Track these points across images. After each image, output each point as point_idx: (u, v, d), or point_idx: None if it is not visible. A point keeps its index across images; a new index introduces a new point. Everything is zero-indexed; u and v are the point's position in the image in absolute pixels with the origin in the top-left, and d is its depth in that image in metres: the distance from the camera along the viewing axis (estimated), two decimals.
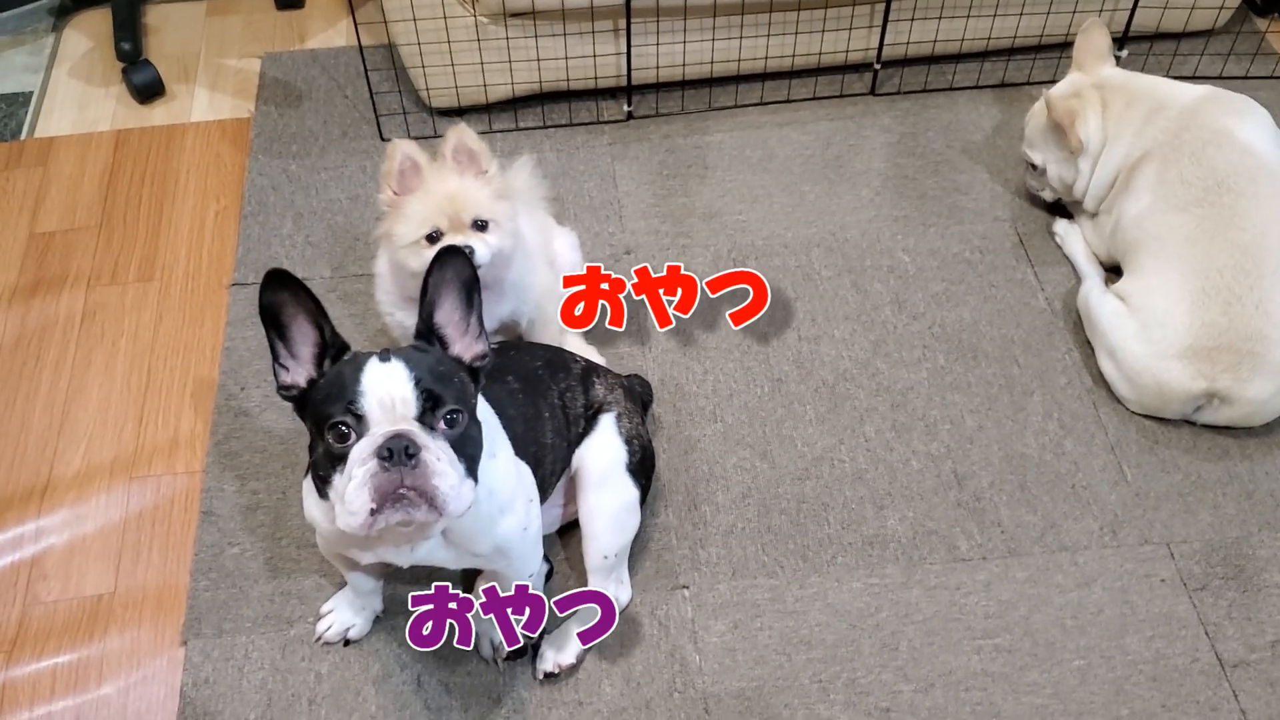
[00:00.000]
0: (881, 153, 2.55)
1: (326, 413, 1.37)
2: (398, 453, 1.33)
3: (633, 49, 2.50)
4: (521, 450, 1.63)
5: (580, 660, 1.79)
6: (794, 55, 2.59)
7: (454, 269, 1.45)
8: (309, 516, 1.59)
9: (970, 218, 2.42)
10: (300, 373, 1.44)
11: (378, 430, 1.35)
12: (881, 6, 2.52)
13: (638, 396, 1.94)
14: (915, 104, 2.65)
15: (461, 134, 1.86)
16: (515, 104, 2.62)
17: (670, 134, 2.59)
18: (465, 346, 1.48)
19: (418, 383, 1.37)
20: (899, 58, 2.66)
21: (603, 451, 1.79)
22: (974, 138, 2.58)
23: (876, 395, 2.13)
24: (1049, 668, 1.79)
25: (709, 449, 2.05)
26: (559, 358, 1.83)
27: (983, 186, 2.48)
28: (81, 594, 1.91)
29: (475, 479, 1.42)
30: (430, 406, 1.37)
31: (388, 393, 1.36)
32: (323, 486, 1.42)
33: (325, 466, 1.39)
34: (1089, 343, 2.17)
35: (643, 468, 1.82)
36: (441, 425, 1.38)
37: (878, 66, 2.63)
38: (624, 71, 2.55)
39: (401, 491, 1.35)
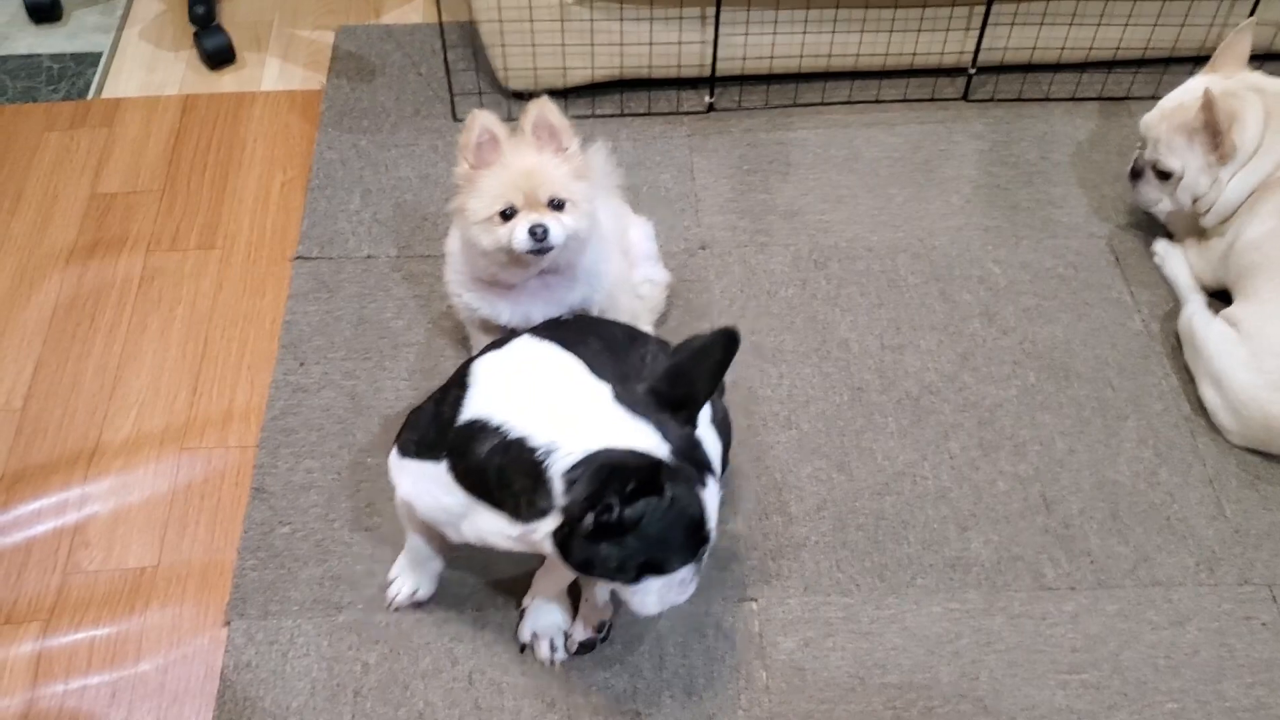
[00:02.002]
0: (972, 160, 2.44)
1: None
2: None
3: (720, 38, 2.41)
4: None
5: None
6: (886, 54, 2.49)
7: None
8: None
9: (1064, 232, 2.31)
10: None
11: None
12: (981, 9, 2.42)
13: None
14: (1008, 112, 2.54)
15: (543, 108, 1.77)
16: (593, 90, 2.54)
17: (752, 128, 2.50)
18: None
19: None
20: (994, 64, 2.55)
21: None
22: (1069, 150, 2.47)
23: (963, 411, 2.02)
24: (1139, 709, 1.67)
25: (782, 457, 1.95)
26: (639, 333, 1.73)
27: (1077, 201, 2.37)
28: (124, 565, 1.84)
29: None
30: None
31: None
32: None
33: None
34: (1187, 368, 2.05)
35: (724, 428, 1.72)
36: None
37: (972, 71, 2.53)
38: (708, 61, 2.46)
39: None
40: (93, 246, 2.28)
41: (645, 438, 1.34)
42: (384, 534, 1.85)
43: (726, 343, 1.39)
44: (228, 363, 2.09)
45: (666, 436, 1.35)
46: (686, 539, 1.36)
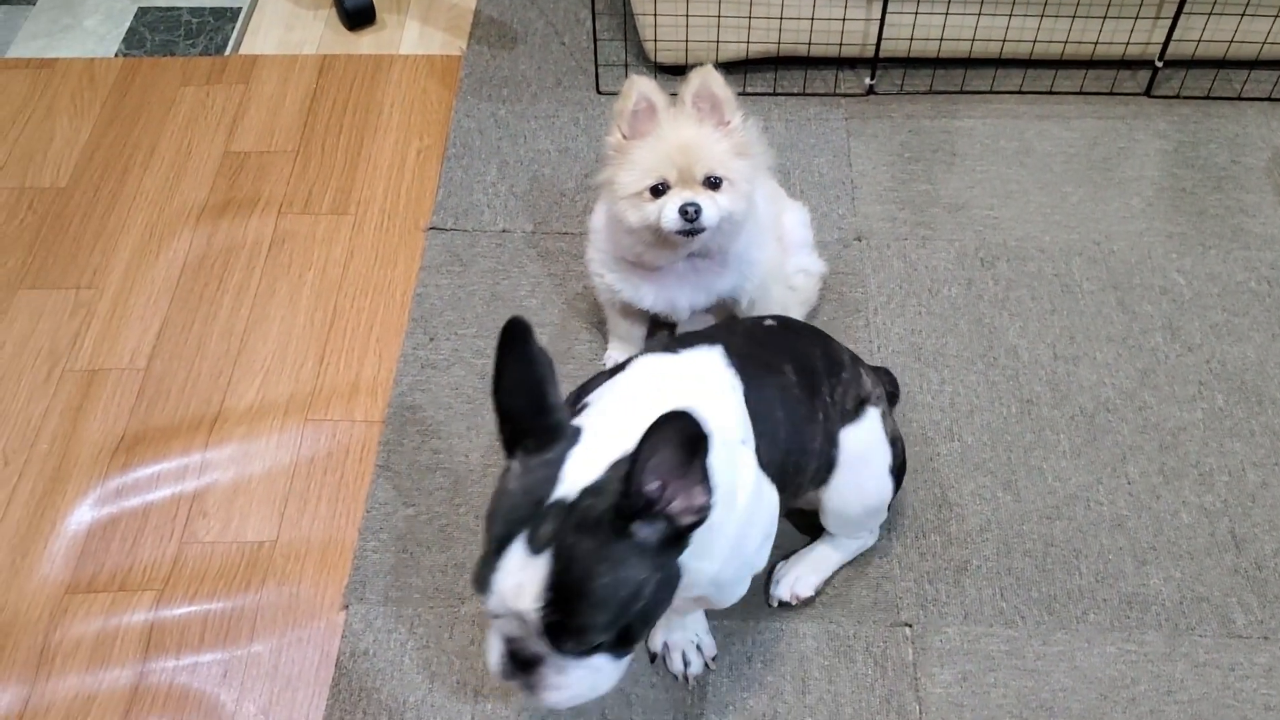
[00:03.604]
0: (1155, 160, 2.25)
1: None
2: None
3: (887, 16, 2.25)
4: (782, 457, 1.39)
5: (818, 592, 1.64)
6: (1066, 42, 2.30)
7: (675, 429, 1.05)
8: None
9: (1258, 243, 2.11)
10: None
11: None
12: None
13: (885, 392, 1.68)
14: (1195, 111, 2.34)
15: (706, 77, 1.63)
16: (746, 66, 2.40)
17: (915, 114, 2.33)
18: (684, 501, 1.11)
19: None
20: (1183, 58, 2.35)
21: (866, 444, 1.53)
22: (1264, 155, 2.26)
23: (1142, 432, 1.84)
24: None
25: (943, 471, 1.80)
26: (832, 350, 1.56)
27: (1273, 210, 2.16)
28: (241, 538, 1.76)
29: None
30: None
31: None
32: None
33: None
34: None
35: (899, 473, 1.58)
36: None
37: (1159, 64, 2.33)
38: (872, 41, 2.30)
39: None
40: (224, 205, 2.22)
41: None
42: None
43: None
44: (356, 333, 2.01)
45: None
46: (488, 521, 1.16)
